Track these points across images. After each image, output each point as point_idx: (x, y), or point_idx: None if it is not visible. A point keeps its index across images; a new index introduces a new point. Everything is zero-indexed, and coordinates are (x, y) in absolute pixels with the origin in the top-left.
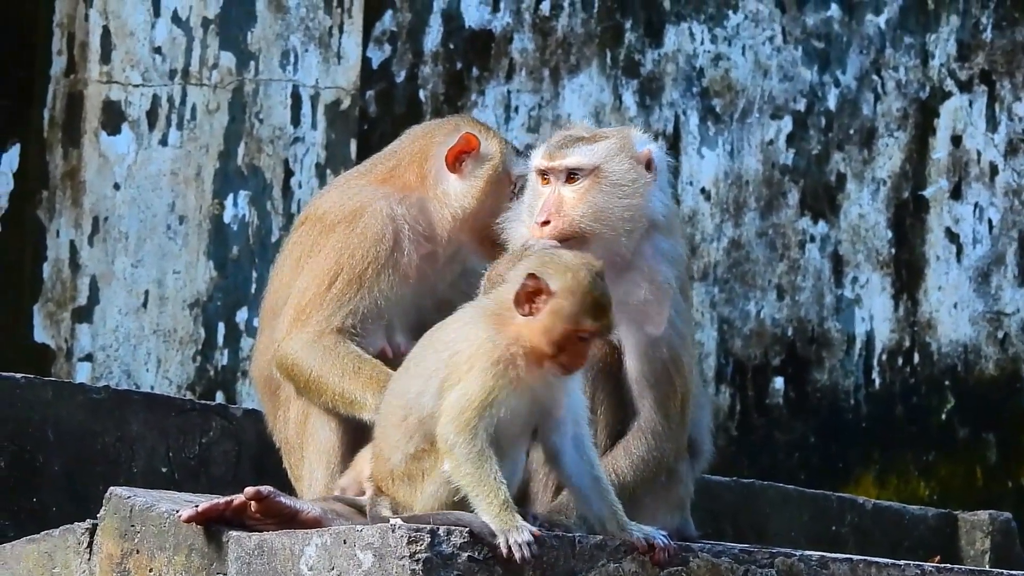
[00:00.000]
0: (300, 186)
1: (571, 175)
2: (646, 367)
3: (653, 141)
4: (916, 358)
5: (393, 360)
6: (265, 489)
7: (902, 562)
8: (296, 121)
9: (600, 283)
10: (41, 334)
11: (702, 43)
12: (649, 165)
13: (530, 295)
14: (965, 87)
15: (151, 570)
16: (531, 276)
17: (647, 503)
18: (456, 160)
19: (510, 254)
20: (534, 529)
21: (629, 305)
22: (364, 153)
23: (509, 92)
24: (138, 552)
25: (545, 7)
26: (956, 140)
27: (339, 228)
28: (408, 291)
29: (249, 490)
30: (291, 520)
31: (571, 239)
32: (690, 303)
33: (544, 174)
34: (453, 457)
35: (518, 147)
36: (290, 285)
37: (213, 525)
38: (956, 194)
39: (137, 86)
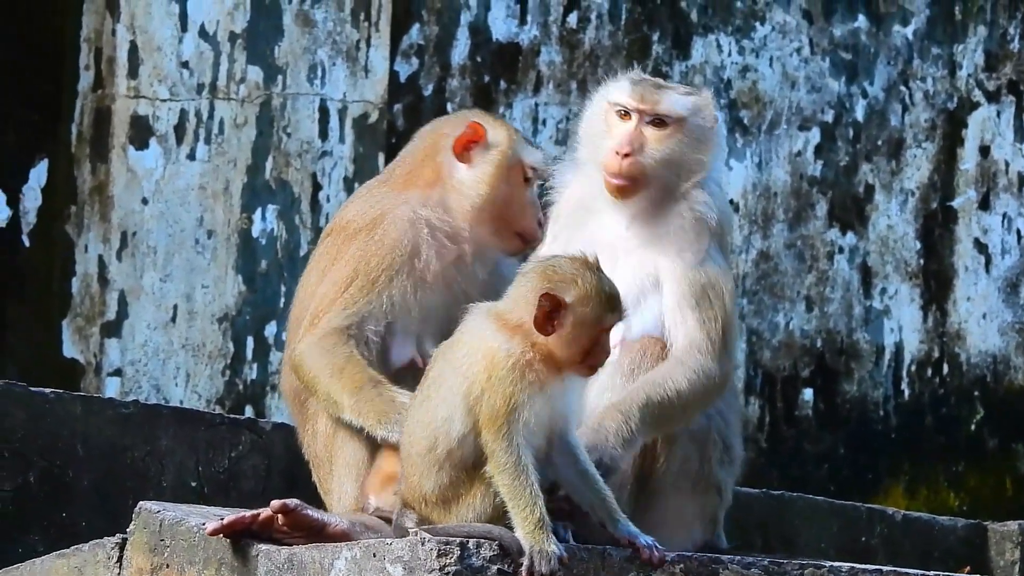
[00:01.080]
0: (328, 200)
1: (658, 119)
2: (686, 289)
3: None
4: (945, 369)
5: (423, 370)
6: (292, 502)
7: (932, 573)
8: (324, 135)
9: (604, 275)
10: (70, 349)
11: (729, 55)
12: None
13: (548, 314)
14: (993, 97)
15: None
16: (545, 296)
17: (685, 516)
18: (464, 149)
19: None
20: (563, 553)
21: (668, 234)
22: None
23: (537, 105)
24: (168, 566)
25: (572, 20)
26: (984, 150)
27: (360, 236)
28: (436, 299)
29: (275, 503)
30: (319, 533)
31: (636, 181)
32: (727, 255)
33: (626, 111)
34: (493, 464)
35: (530, 139)
36: (314, 295)
37: (242, 539)
38: (984, 205)
39: (165, 101)
